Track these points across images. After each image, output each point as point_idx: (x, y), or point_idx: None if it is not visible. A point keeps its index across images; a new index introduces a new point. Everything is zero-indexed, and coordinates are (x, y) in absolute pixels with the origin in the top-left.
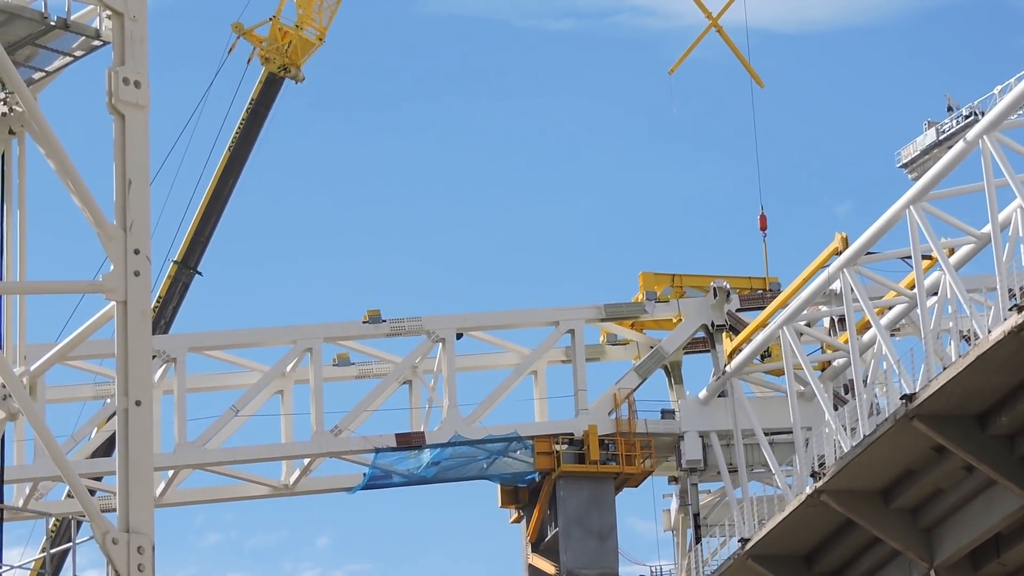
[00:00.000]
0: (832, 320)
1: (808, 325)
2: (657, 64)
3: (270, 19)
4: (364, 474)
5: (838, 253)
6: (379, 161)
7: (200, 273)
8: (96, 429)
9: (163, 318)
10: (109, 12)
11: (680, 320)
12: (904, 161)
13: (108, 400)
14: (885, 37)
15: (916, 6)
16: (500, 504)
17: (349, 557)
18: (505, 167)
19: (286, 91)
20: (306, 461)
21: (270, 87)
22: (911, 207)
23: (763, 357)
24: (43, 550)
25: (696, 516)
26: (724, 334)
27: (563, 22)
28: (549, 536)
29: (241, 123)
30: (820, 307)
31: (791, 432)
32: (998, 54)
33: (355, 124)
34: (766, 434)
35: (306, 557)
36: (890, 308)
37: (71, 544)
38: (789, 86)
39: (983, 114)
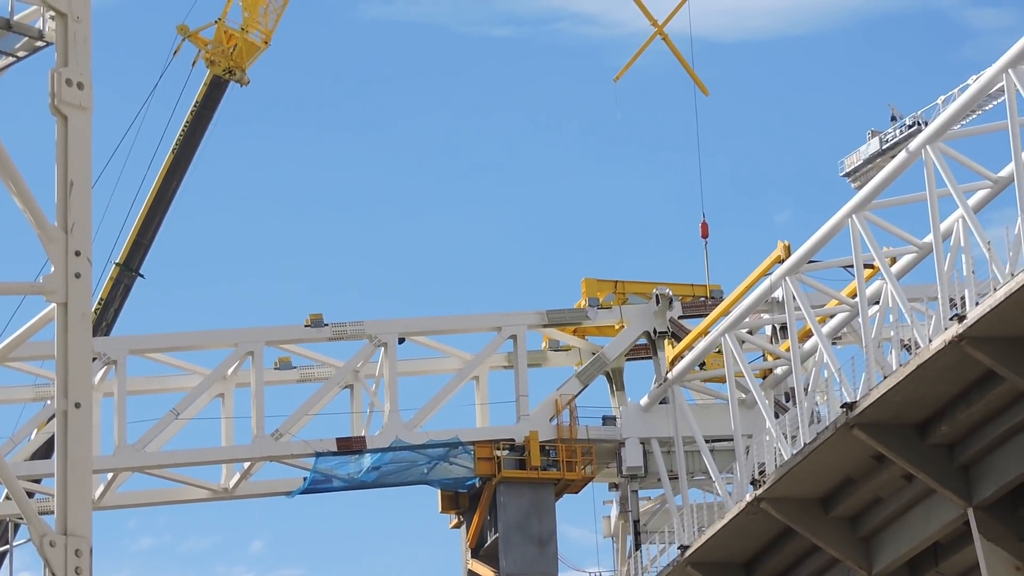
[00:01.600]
0: (774, 328)
1: (750, 333)
2: (599, 71)
3: (216, 22)
4: (304, 478)
5: (780, 261)
6: (323, 165)
7: (142, 275)
8: (35, 431)
9: (104, 320)
10: (53, 13)
11: (622, 327)
12: (847, 170)
13: (48, 402)
14: (826, 47)
15: (856, 17)
16: (440, 509)
17: (284, 561)
18: (448, 172)
19: (231, 94)
20: (246, 465)
21: (215, 90)
22: (853, 216)
23: (701, 366)
24: None
25: (636, 523)
26: (666, 341)
27: (503, 29)
28: (489, 542)
29: (185, 125)
30: (762, 315)
31: (732, 439)
32: (941, 65)
33: (299, 128)
34: (707, 441)
35: (240, 561)
36: (832, 316)
37: (8, 546)
38: (732, 95)
39: (926, 124)
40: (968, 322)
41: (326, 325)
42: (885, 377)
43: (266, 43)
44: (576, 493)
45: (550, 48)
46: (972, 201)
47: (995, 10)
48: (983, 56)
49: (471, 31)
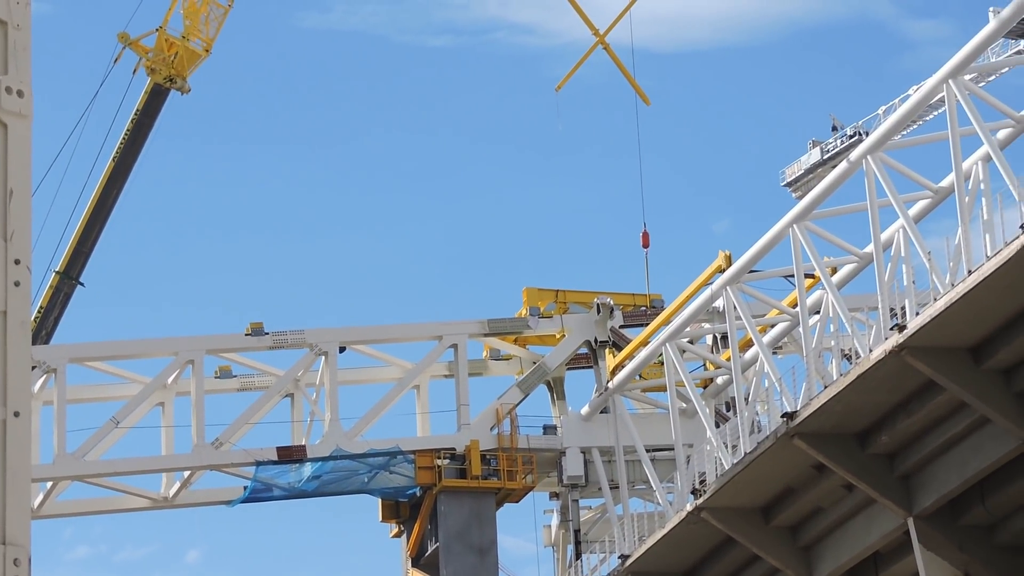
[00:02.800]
0: (715, 337)
1: (691, 342)
2: (537, 81)
3: (157, 30)
4: (245, 487)
5: (721, 271)
6: (263, 173)
7: (82, 284)
8: None
9: (44, 328)
10: None
11: (563, 336)
12: (788, 180)
13: None
14: (765, 57)
15: (793, 27)
16: (381, 518)
17: (220, 571)
18: (388, 181)
19: (172, 103)
20: (186, 474)
21: (155, 98)
22: (794, 226)
23: (642, 376)
24: None
25: (577, 532)
26: (607, 350)
27: (441, 38)
28: (429, 551)
29: (126, 134)
30: (703, 324)
31: (672, 449)
32: (880, 75)
33: (239, 137)
34: (648, 451)
35: (176, 571)
36: (772, 326)
37: None
38: (672, 105)
39: (867, 134)
40: (908, 332)
41: (266, 334)
42: (826, 387)
43: (207, 51)
44: (517, 502)
45: (489, 58)
46: (913, 211)
47: (933, 21)
48: (921, 67)
49: (409, 40)
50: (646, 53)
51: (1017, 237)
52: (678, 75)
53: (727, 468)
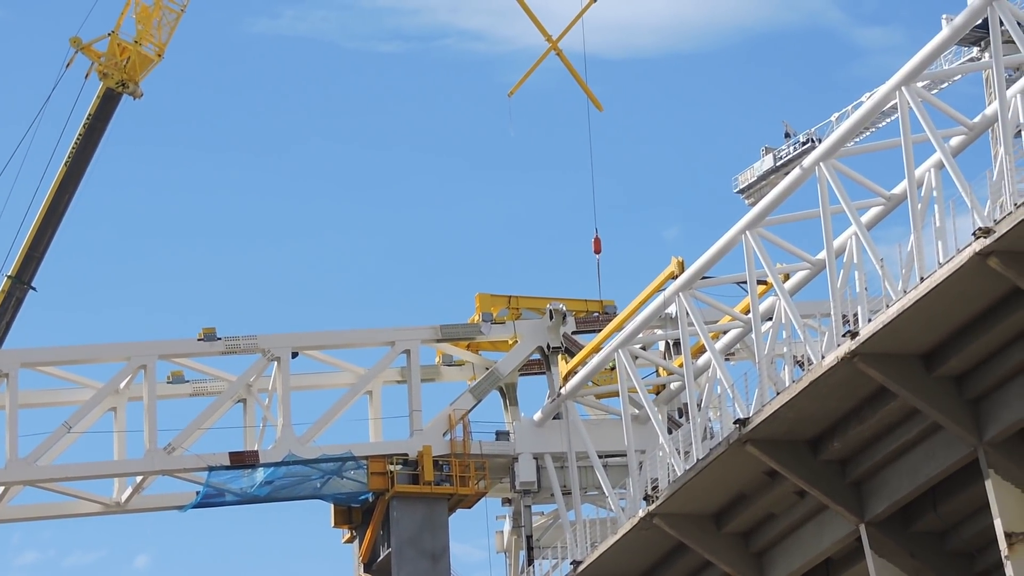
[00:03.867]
0: (667, 343)
1: (643, 348)
2: (488, 87)
3: (109, 34)
4: (197, 492)
5: (674, 277)
6: (216, 178)
7: (34, 288)
8: None
9: None
10: None
11: (516, 342)
12: (741, 187)
13: None
14: (715, 64)
15: (742, 35)
16: (333, 524)
17: None
18: (340, 186)
19: (124, 108)
20: (139, 479)
21: (107, 102)
22: (747, 232)
23: (595, 382)
24: None
25: (529, 538)
26: (560, 356)
27: (390, 44)
28: (382, 556)
29: (78, 138)
30: (656, 330)
31: (625, 455)
32: (830, 83)
33: (191, 141)
34: (600, 457)
35: None
36: (725, 332)
37: None
38: (623, 111)
39: (820, 141)
40: (861, 339)
41: (219, 339)
42: (778, 393)
43: (160, 56)
44: (469, 508)
45: (438, 64)
46: (865, 218)
47: (883, 28)
48: (872, 74)
49: (358, 46)
50: (597, 59)
51: (969, 244)
52: (629, 82)
53: (679, 474)
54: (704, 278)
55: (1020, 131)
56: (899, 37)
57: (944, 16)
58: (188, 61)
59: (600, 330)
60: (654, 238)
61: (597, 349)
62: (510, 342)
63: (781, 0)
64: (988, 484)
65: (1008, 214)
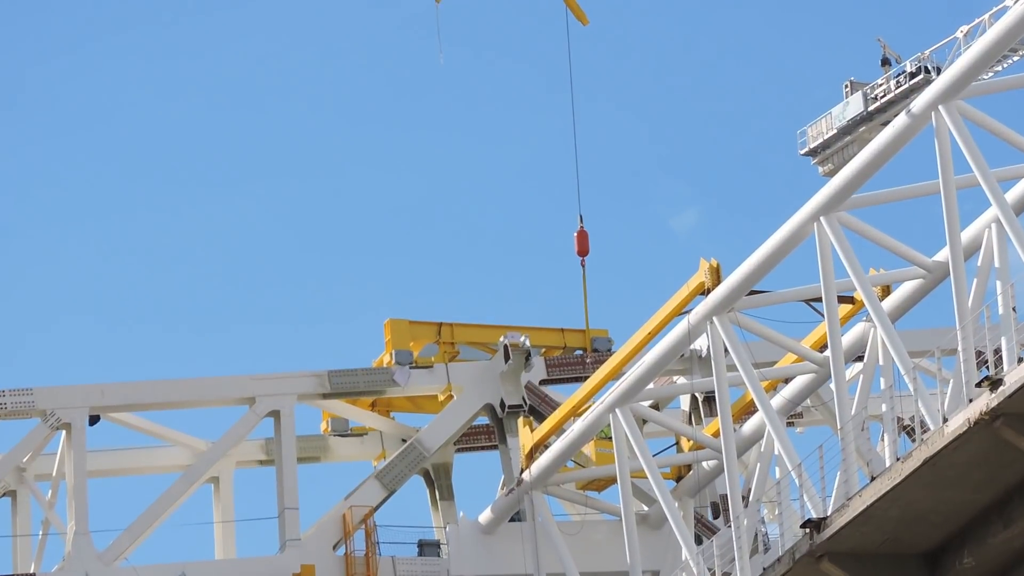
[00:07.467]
0: (693, 399)
1: (655, 407)
2: None
3: None
4: None
5: (704, 292)
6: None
7: None
8: None
9: None
10: None
11: (450, 397)
12: (811, 146)
13: None
14: None
15: None
16: None
17: None
18: (166, 159)
19: None
20: None
21: None
22: (821, 219)
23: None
24: None
25: None
26: (521, 420)
27: None
28: None
29: None
30: (675, 378)
31: None
32: None
33: None
34: None
35: None
36: (786, 381)
37: None
38: (617, 28)
39: (939, 71)
40: (1007, 390)
41: None
42: (872, 479)
43: None
44: None
45: None
46: (1012, 196)
47: None
48: None
49: None
50: None
51: None
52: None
53: None
54: (752, 293)
55: None
56: None
57: None
58: None
59: (586, 377)
60: (660, 228)
61: (581, 409)
62: (441, 397)
63: None
64: None
65: None
